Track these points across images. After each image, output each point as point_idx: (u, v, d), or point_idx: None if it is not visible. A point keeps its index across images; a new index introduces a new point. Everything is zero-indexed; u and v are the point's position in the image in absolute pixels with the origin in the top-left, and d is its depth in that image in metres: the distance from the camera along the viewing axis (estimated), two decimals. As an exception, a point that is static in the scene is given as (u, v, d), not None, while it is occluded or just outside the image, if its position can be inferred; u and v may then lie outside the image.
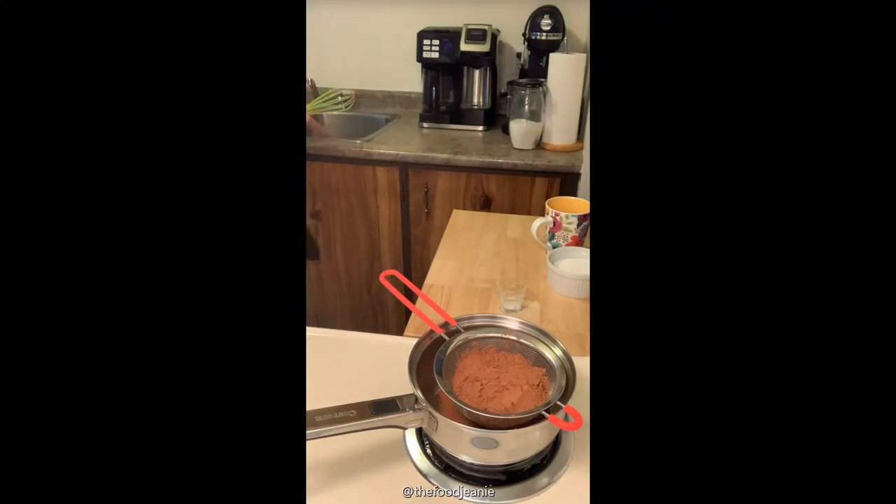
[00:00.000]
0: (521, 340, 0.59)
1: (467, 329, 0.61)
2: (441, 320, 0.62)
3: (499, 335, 0.60)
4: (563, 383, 0.54)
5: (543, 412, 0.50)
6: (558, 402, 0.51)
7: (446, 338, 0.60)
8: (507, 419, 0.50)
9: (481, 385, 0.54)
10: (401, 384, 0.55)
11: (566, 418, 0.51)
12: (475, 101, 1.83)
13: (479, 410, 0.50)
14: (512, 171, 1.59)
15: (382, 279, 0.69)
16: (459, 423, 0.51)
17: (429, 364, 0.56)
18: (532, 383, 0.54)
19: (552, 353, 0.57)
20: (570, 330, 0.82)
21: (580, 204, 1.01)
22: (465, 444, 0.52)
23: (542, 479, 0.55)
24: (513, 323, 0.62)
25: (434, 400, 0.54)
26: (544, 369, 0.56)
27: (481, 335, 0.60)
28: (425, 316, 0.63)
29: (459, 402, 0.51)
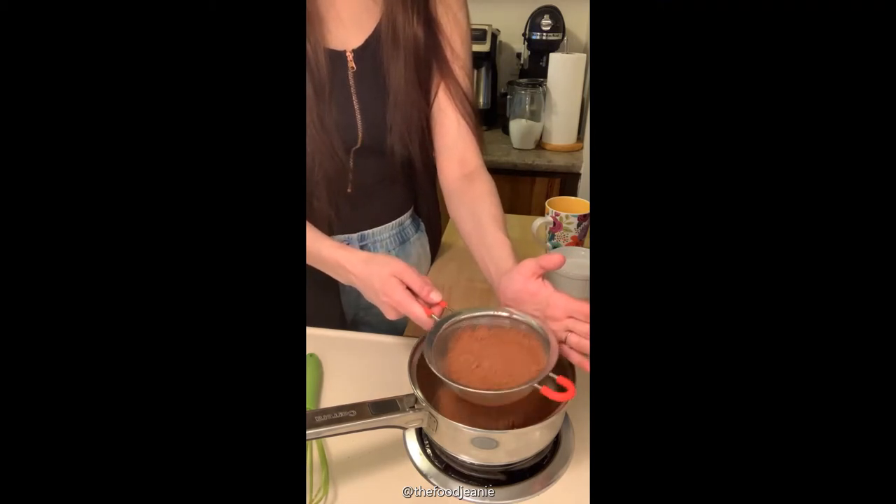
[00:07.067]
0: (514, 316, 0.58)
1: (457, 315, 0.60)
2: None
3: (491, 312, 0.59)
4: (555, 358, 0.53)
5: (536, 384, 0.50)
6: (551, 374, 0.51)
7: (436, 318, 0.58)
8: (500, 394, 0.50)
9: (476, 361, 0.54)
10: (401, 384, 0.55)
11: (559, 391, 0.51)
12: (475, 100, 1.82)
13: (471, 388, 0.50)
14: (512, 171, 1.59)
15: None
16: (459, 423, 0.51)
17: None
18: (527, 351, 0.55)
19: (543, 332, 0.56)
20: (570, 330, 0.82)
21: (580, 204, 1.01)
22: (465, 444, 0.52)
23: (541, 479, 0.55)
24: (504, 311, 0.61)
25: (434, 400, 0.54)
26: (538, 342, 0.56)
27: (472, 314, 0.59)
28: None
29: (452, 381, 0.51)
